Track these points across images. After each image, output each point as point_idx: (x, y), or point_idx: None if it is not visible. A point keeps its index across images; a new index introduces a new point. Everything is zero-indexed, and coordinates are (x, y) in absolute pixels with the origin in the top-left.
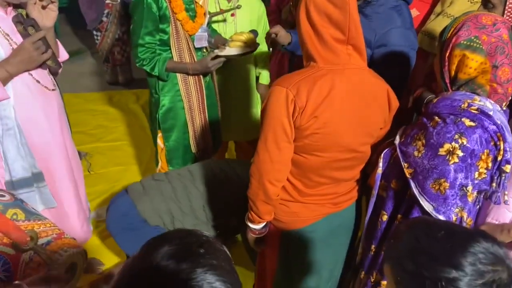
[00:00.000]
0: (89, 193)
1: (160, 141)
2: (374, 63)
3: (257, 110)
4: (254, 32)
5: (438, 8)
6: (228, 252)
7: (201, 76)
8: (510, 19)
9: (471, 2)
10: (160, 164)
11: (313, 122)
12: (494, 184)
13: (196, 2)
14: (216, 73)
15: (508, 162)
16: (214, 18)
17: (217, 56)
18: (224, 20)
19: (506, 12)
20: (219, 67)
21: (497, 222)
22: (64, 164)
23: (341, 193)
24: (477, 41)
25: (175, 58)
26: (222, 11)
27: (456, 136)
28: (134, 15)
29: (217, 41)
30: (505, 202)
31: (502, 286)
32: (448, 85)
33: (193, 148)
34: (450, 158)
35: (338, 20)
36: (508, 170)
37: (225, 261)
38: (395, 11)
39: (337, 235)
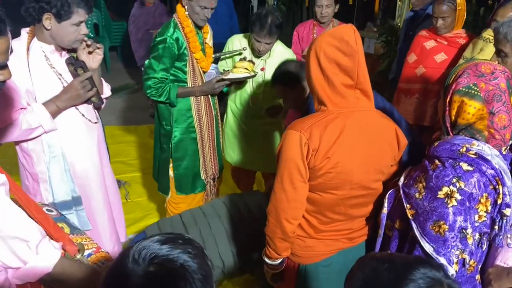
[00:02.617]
0: (125, 219)
1: (171, 171)
2: None
3: None
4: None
5: (467, 53)
6: (205, 251)
7: (212, 108)
8: None
9: None
10: (170, 193)
11: (326, 162)
12: (496, 227)
13: (206, 43)
14: (244, 107)
15: (508, 206)
16: (245, 71)
17: (222, 80)
18: (255, 74)
19: None
20: (247, 105)
21: (505, 265)
22: (101, 190)
23: (355, 229)
24: (475, 88)
25: None
26: (227, 52)
27: (454, 180)
28: (155, 52)
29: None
30: (508, 245)
31: None
32: (449, 129)
33: (202, 175)
34: (449, 201)
35: (347, 67)
36: (508, 214)
37: (200, 253)
38: None
39: None
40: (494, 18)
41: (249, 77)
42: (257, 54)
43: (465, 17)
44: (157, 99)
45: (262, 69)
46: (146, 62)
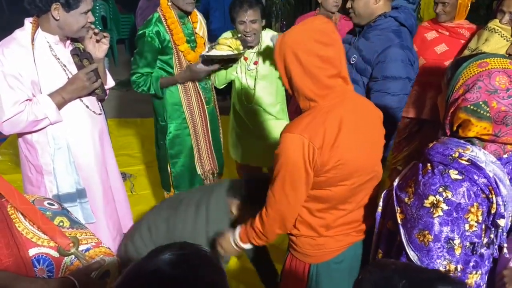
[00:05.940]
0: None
1: (169, 168)
2: (372, 79)
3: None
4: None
5: (472, 44)
6: (223, 269)
7: (204, 103)
8: None
9: (507, 40)
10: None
11: (332, 157)
12: (492, 235)
13: (196, 33)
14: (242, 103)
15: (502, 216)
16: (228, 48)
17: (203, 57)
18: (239, 53)
19: None
20: (242, 99)
21: None
22: (103, 182)
23: (363, 220)
24: (485, 107)
25: (180, 87)
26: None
27: (441, 189)
28: (137, 46)
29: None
30: (504, 255)
31: None
32: (447, 133)
33: (199, 170)
34: (434, 211)
35: (330, 57)
36: (502, 224)
37: (217, 275)
38: (394, 33)
39: (362, 263)
40: (501, 8)
41: (232, 56)
42: (246, 38)
43: (468, 7)
44: (143, 90)
45: (256, 63)
46: (132, 58)
